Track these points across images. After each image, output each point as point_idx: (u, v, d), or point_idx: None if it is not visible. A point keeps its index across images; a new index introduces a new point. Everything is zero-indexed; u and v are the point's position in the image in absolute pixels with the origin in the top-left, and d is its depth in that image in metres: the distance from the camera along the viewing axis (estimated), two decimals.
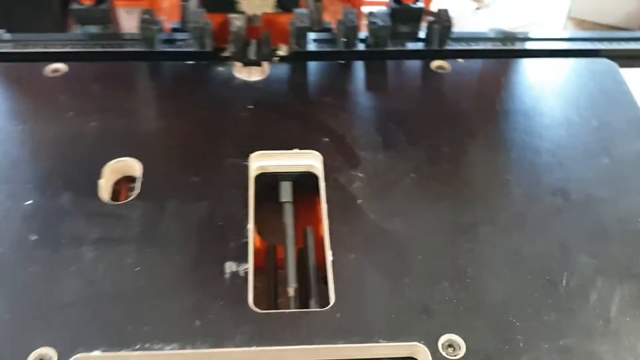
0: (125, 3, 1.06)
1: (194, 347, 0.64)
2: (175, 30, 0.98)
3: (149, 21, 0.90)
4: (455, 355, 0.64)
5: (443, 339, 0.65)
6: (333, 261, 0.71)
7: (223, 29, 0.97)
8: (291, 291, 0.75)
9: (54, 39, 0.95)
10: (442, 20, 0.92)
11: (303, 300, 0.76)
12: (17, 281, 0.69)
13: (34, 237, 0.72)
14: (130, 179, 0.82)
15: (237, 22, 0.99)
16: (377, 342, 0.65)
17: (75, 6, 0.92)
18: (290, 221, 0.81)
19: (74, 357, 0.63)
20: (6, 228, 0.73)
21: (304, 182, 0.84)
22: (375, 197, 0.77)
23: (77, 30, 0.97)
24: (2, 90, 0.89)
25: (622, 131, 0.86)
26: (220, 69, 0.93)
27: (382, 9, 0.97)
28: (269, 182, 0.83)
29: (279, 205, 0.82)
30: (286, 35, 0.98)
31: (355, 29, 0.92)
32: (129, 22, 1.11)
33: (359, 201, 0.77)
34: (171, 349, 0.64)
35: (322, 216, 0.78)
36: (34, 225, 0.73)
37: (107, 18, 0.94)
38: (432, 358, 0.63)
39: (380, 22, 0.92)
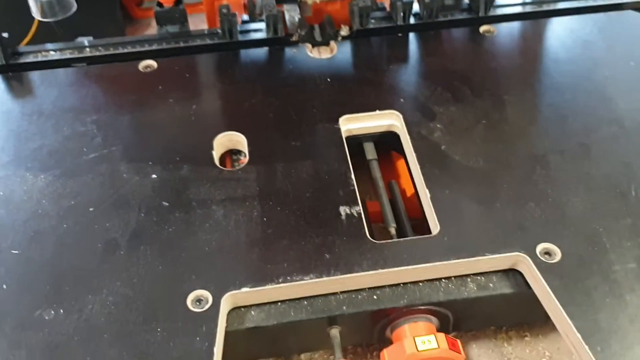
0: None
1: (329, 275, 0.74)
2: (244, 22, 1.09)
3: (228, 14, 1.01)
4: (552, 260, 0.75)
5: (540, 247, 0.76)
6: (431, 197, 0.82)
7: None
8: (392, 230, 0.86)
9: (140, 40, 1.06)
10: None
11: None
12: (160, 240, 0.79)
13: (166, 204, 0.83)
14: (232, 152, 0.93)
15: (291, 12, 1.11)
16: (484, 255, 0.75)
17: (157, 9, 1.03)
18: (378, 175, 0.92)
19: (226, 295, 0.73)
20: (139, 198, 0.83)
21: (383, 141, 0.95)
22: (455, 142, 0.88)
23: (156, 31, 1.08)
24: (105, 87, 0.99)
25: None
26: (294, 51, 1.04)
27: None
28: (350, 144, 0.93)
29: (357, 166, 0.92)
30: (336, 19, 1.09)
31: (410, 4, 1.03)
32: None
33: (443, 147, 0.88)
34: (310, 279, 0.74)
35: (410, 165, 0.89)
36: (164, 194, 0.84)
37: (184, 17, 1.05)
38: (534, 263, 0.74)
39: None
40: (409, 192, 0.94)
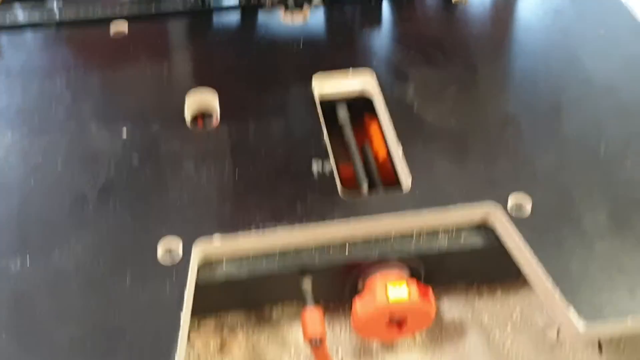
0: None
1: (301, 223, 0.74)
2: None
3: None
4: (523, 212, 0.75)
5: (511, 200, 0.76)
6: (403, 154, 0.82)
7: None
8: (365, 187, 0.85)
9: (111, 3, 1.04)
10: None
11: None
12: (130, 193, 0.78)
13: (136, 160, 0.81)
14: (204, 116, 0.92)
15: None
16: (456, 204, 0.76)
17: None
18: (351, 135, 0.92)
19: (197, 243, 0.72)
20: (109, 154, 0.82)
21: (356, 105, 0.95)
22: (428, 103, 0.88)
23: None
24: (75, 50, 0.97)
25: (626, 36, 0.99)
26: (267, 15, 1.03)
27: None
28: (323, 108, 0.93)
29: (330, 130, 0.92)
30: None
31: None
32: None
33: (415, 107, 0.88)
34: (282, 227, 0.74)
35: (383, 124, 0.89)
36: (134, 151, 0.83)
37: None
38: (505, 215, 0.74)
39: None
40: (382, 155, 0.94)
